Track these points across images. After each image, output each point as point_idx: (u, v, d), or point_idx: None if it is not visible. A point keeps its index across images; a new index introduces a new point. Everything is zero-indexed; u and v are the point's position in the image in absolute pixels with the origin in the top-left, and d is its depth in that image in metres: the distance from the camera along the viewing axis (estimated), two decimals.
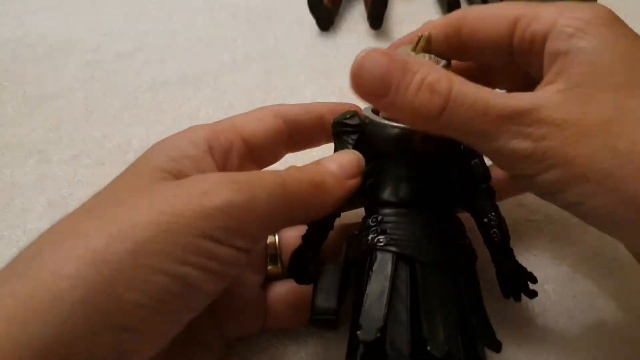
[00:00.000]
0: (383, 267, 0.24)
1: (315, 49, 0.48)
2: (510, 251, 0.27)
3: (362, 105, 0.29)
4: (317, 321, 0.25)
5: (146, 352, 0.21)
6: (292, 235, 0.29)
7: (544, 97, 0.23)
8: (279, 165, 0.29)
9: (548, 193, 0.23)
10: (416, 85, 0.23)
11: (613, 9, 0.25)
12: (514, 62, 0.27)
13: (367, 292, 0.24)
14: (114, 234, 0.19)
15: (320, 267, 0.26)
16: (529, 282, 0.27)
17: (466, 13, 0.28)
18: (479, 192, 0.27)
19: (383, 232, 0.25)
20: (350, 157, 0.26)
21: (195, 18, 0.52)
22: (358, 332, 0.23)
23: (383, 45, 0.50)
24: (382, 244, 0.25)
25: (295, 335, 0.29)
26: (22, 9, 0.53)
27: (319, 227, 0.27)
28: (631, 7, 0.39)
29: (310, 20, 0.50)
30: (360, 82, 0.24)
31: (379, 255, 0.25)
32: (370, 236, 0.25)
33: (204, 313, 0.23)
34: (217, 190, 0.21)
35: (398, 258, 0.24)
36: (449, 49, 0.28)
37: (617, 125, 0.21)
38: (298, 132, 0.29)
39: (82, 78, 0.45)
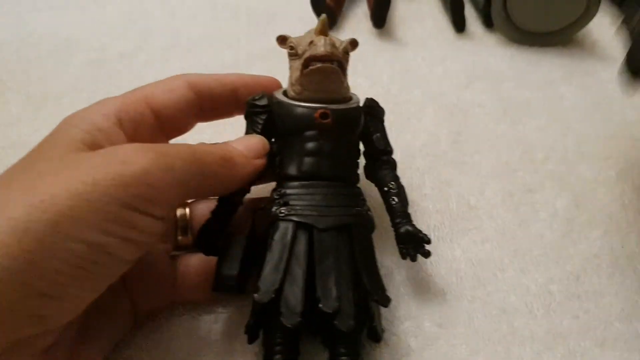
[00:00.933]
0: (284, 235, 0.26)
1: None
2: (408, 215, 0.29)
3: (284, 81, 0.31)
4: (219, 287, 0.27)
5: (64, 317, 0.22)
6: (202, 208, 0.30)
7: None
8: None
9: None
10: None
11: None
12: None
13: (267, 258, 0.26)
14: (35, 204, 0.20)
15: (227, 239, 0.28)
16: (424, 244, 0.29)
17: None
18: (381, 164, 0.31)
19: (285, 204, 0.27)
20: (256, 140, 0.28)
21: (198, 17, 0.52)
22: (254, 295, 0.25)
23: (386, 44, 0.50)
24: (283, 214, 0.27)
25: (208, 307, 0.30)
26: (25, 8, 0.53)
27: (227, 201, 0.28)
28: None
29: (313, 20, 0.49)
30: None
31: (281, 224, 0.27)
32: (274, 208, 0.27)
33: (115, 284, 0.23)
34: (135, 159, 0.22)
35: (298, 226, 0.27)
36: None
37: None
38: (210, 103, 0.30)
39: (85, 77, 0.45)
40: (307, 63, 0.28)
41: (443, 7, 0.54)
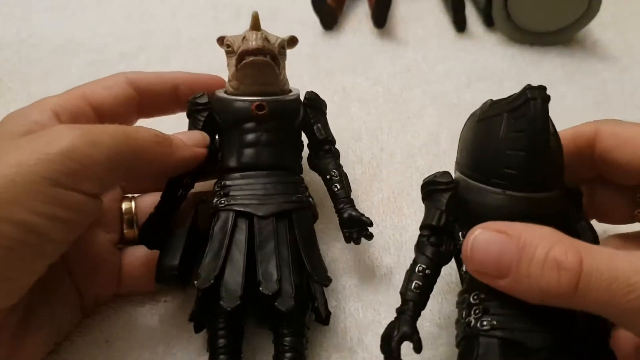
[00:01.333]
0: (224, 224, 0.27)
1: (319, 48, 0.48)
2: (351, 201, 0.30)
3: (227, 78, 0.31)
4: (161, 278, 0.28)
5: (2, 301, 0.22)
6: (148, 201, 0.31)
7: None
8: None
9: None
10: (539, 263, 0.20)
11: None
12: None
13: (208, 248, 0.27)
14: None
15: (169, 232, 0.29)
16: (367, 227, 0.29)
17: (600, 128, 0.26)
18: (322, 154, 0.32)
19: (226, 195, 0.28)
20: (197, 134, 0.29)
21: (199, 18, 0.52)
22: (195, 282, 0.26)
23: (386, 44, 0.50)
24: (223, 204, 0.28)
25: (155, 297, 0.30)
26: (26, 9, 0.53)
27: (170, 196, 0.29)
28: None
29: (313, 19, 0.49)
30: (474, 265, 0.22)
31: (222, 214, 0.28)
32: (215, 199, 0.28)
33: (59, 272, 0.23)
34: (60, 137, 0.22)
35: (238, 215, 0.27)
36: (578, 163, 0.27)
37: None
38: (150, 99, 0.31)
39: (86, 78, 0.45)
40: (240, 57, 0.29)
41: (444, 6, 0.54)
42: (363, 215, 0.29)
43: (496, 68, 0.47)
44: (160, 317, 0.30)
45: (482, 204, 0.24)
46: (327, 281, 0.28)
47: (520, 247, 0.21)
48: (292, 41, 0.32)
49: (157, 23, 0.52)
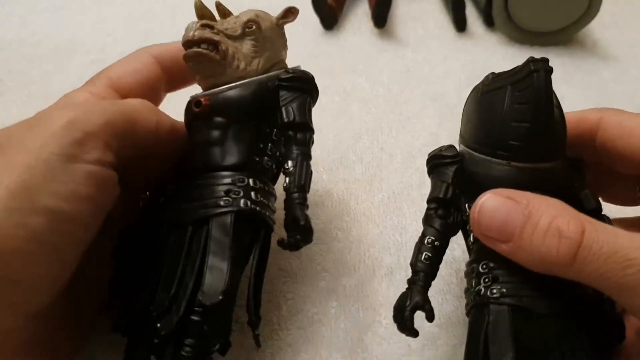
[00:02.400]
0: (155, 236, 0.26)
1: (319, 48, 0.48)
2: (301, 197, 0.26)
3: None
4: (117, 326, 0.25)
5: (38, 301, 0.21)
6: None
7: None
8: None
9: None
10: (542, 230, 0.21)
11: None
12: None
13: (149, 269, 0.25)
14: None
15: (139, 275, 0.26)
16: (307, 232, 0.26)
17: (605, 116, 0.27)
18: (287, 140, 0.27)
19: (164, 203, 0.27)
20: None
21: None
22: (151, 308, 0.24)
23: (386, 44, 0.50)
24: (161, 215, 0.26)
25: None
26: (26, 9, 0.53)
27: (128, 239, 0.27)
28: None
29: (314, 19, 0.49)
30: (480, 228, 0.23)
31: (159, 226, 0.26)
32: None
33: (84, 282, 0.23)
34: (58, 116, 0.22)
35: (170, 227, 0.26)
36: (580, 147, 0.27)
37: None
38: (176, 74, 0.30)
39: (86, 78, 0.45)
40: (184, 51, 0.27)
41: (444, 6, 0.54)
42: (305, 217, 0.25)
43: (496, 68, 0.46)
44: None
45: (488, 175, 0.24)
46: (210, 300, 0.23)
47: (527, 214, 0.21)
48: (288, 13, 0.29)
49: (157, 23, 0.52)
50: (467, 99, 0.26)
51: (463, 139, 0.26)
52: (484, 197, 0.23)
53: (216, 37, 0.26)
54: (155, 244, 0.26)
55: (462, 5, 0.50)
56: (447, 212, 0.25)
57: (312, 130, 0.28)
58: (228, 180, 0.26)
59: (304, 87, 0.28)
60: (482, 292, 0.23)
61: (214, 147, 0.27)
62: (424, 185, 0.37)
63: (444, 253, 0.26)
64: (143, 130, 0.25)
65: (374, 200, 0.36)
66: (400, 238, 0.34)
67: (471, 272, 0.24)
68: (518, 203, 0.22)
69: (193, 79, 0.29)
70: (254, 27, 0.27)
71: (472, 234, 0.25)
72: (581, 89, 0.45)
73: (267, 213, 0.27)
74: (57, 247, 0.21)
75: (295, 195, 0.26)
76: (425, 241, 0.25)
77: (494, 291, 0.23)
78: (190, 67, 0.27)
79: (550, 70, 0.22)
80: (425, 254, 0.25)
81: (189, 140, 0.28)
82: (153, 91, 0.29)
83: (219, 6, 0.28)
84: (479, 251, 0.24)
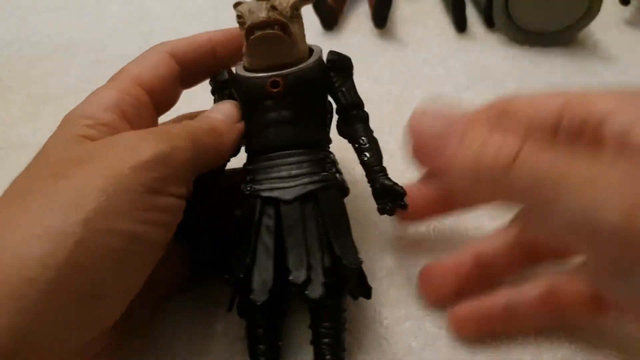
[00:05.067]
0: (252, 212, 0.27)
1: None
2: (383, 169, 0.28)
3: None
4: (197, 271, 0.27)
5: (114, 316, 0.22)
6: None
7: None
8: None
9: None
10: (482, 137, 0.22)
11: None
12: None
13: (238, 238, 0.26)
14: (66, 206, 0.20)
15: (206, 222, 0.28)
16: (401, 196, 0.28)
17: (511, 98, 0.27)
18: (350, 119, 0.29)
19: (252, 180, 0.27)
20: (229, 105, 0.28)
21: (200, 18, 0.52)
22: (225, 276, 0.26)
23: (387, 44, 0.50)
24: (249, 191, 0.27)
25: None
26: (27, 9, 0.53)
27: (201, 186, 0.28)
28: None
29: (314, 20, 0.49)
30: (416, 135, 0.24)
31: (249, 201, 0.27)
32: (242, 185, 0.28)
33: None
34: (143, 145, 0.22)
35: (264, 202, 0.27)
36: None
37: None
38: (192, 69, 0.30)
39: (86, 78, 0.45)
40: (249, 32, 0.27)
41: (444, 7, 0.54)
42: (396, 184, 0.27)
43: (497, 69, 0.47)
44: (159, 316, 0.30)
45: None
46: (355, 264, 0.27)
47: (468, 124, 0.23)
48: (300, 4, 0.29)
49: (158, 23, 0.52)
50: None
51: None
52: (421, 108, 0.23)
53: (285, 19, 0.27)
54: (245, 217, 0.27)
55: (463, 5, 0.50)
56: None
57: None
58: (320, 155, 0.28)
59: (349, 68, 0.30)
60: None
61: (290, 126, 0.28)
62: None
63: None
64: (210, 160, 0.26)
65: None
66: (400, 238, 0.34)
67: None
68: (461, 117, 0.23)
69: (208, 75, 0.30)
70: (299, 9, 0.28)
71: None
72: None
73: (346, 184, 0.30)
74: (133, 266, 0.22)
75: (377, 168, 0.28)
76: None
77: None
78: (258, 48, 0.27)
79: None
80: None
81: (254, 119, 0.28)
82: (172, 86, 0.30)
83: None
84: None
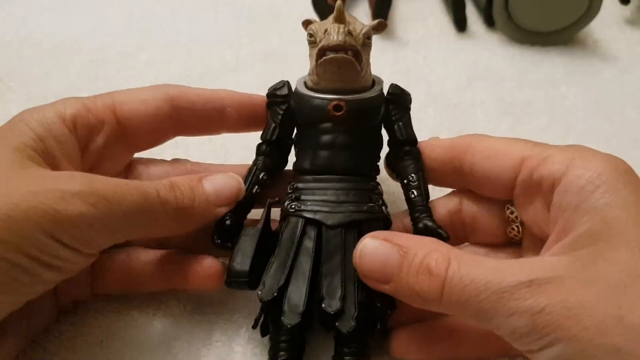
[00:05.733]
0: (293, 231, 0.27)
1: None
2: (428, 210, 0.28)
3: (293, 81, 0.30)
4: (231, 283, 0.26)
5: None
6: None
7: (544, 266, 0.21)
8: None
9: None
10: (415, 269, 0.22)
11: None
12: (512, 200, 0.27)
13: (275, 254, 0.26)
14: None
15: (241, 232, 0.27)
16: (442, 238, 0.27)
17: (473, 140, 0.28)
18: (402, 155, 0.29)
19: (297, 199, 0.27)
20: (231, 185, 0.27)
21: (199, 17, 0.52)
22: (258, 292, 0.25)
23: (387, 43, 0.49)
24: (293, 209, 0.27)
25: (150, 298, 0.30)
26: (26, 9, 0.53)
27: (245, 197, 0.28)
28: None
29: (314, 20, 0.49)
30: (363, 271, 0.24)
31: (292, 220, 0.27)
32: (286, 202, 0.28)
33: None
34: (74, 200, 0.22)
35: (307, 223, 0.27)
36: (451, 173, 0.29)
37: (626, 294, 0.20)
38: (191, 119, 0.29)
39: (86, 77, 0.45)
40: (321, 53, 0.27)
41: (444, 6, 0.54)
42: (440, 227, 0.27)
43: (497, 68, 0.46)
44: (160, 316, 0.30)
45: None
46: (392, 306, 0.26)
47: (403, 254, 0.23)
48: (379, 27, 0.30)
49: (157, 22, 0.51)
50: None
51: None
52: (363, 241, 0.24)
53: (358, 47, 0.27)
54: (286, 235, 0.27)
55: (463, 5, 0.50)
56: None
57: None
58: (369, 186, 0.28)
59: (409, 102, 0.30)
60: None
61: (345, 151, 0.28)
62: None
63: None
64: (168, 232, 0.26)
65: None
66: None
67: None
68: (394, 245, 0.23)
69: (210, 130, 0.30)
70: (370, 38, 0.29)
71: None
72: (582, 89, 0.45)
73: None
74: (13, 290, 0.22)
75: (423, 207, 0.28)
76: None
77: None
78: (328, 69, 0.27)
79: None
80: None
81: (309, 139, 0.28)
82: (157, 125, 0.29)
83: (340, 10, 0.27)
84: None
